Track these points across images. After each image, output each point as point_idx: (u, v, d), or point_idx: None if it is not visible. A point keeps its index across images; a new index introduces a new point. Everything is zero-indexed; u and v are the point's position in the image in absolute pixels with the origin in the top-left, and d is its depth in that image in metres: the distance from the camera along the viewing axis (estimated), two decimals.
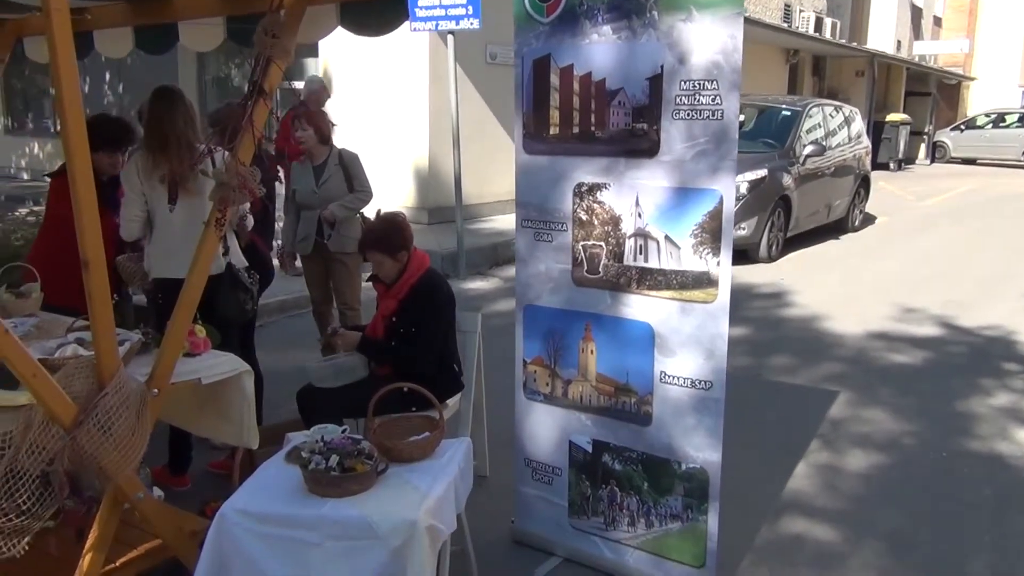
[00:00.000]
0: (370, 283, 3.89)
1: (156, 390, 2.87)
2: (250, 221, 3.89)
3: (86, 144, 2.57)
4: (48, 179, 4.31)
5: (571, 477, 3.39)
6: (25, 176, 15.33)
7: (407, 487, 2.77)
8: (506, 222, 10.99)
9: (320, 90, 8.68)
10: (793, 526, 3.78)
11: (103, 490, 2.83)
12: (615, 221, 3.14)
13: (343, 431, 3.08)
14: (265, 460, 3.03)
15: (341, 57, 10.80)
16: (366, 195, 5.28)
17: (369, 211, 5.27)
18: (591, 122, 3.13)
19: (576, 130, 3.18)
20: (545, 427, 3.43)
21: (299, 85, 11.57)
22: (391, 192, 9.68)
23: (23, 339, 3.37)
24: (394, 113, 10.64)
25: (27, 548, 2.57)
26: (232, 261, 3.82)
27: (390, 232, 3.71)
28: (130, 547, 3.04)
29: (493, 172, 10.84)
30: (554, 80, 3.19)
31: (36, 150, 15.46)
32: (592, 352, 3.27)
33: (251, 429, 3.25)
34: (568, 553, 3.45)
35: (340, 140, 5.34)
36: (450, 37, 8.24)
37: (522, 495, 3.57)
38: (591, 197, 3.18)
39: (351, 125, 10.07)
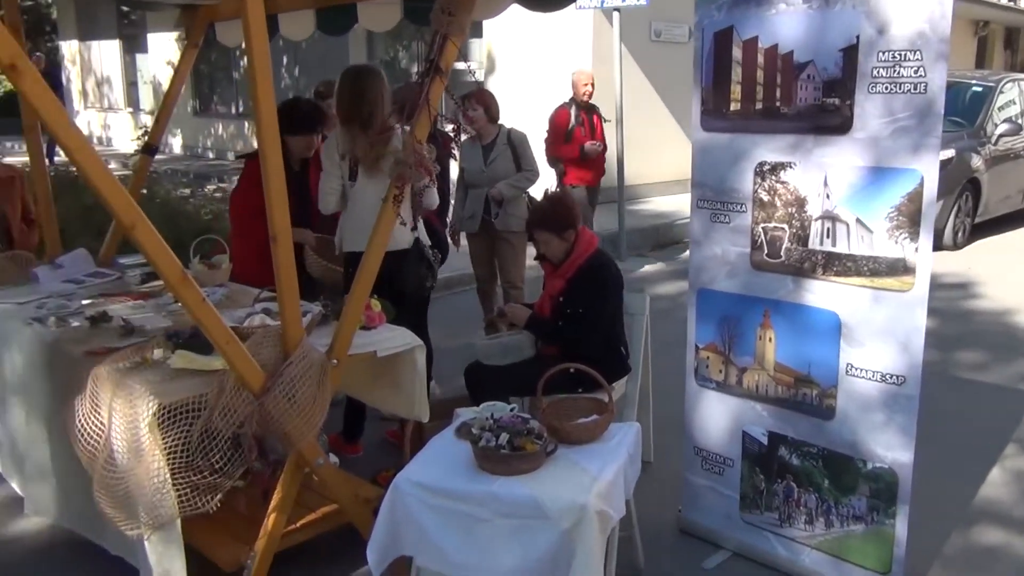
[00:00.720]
0: (536, 262, 3.88)
1: (335, 360, 2.96)
2: (433, 199, 3.94)
3: (276, 123, 2.66)
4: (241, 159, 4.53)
5: (744, 469, 3.26)
6: (211, 155, 16.39)
7: (576, 469, 2.73)
8: (669, 203, 10.76)
9: None
10: (988, 536, 3.48)
11: (286, 454, 2.96)
12: (800, 202, 2.96)
13: (511, 409, 3.09)
14: (434, 433, 3.09)
15: (504, 37, 10.85)
16: (533, 175, 5.29)
17: (535, 190, 5.28)
18: (776, 97, 2.97)
19: (759, 106, 3.02)
20: (717, 416, 3.31)
21: (461, 66, 11.76)
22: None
23: (215, 308, 3.59)
24: (556, 92, 10.57)
25: (218, 505, 2.72)
26: (419, 237, 3.91)
27: (557, 211, 3.68)
28: (309, 510, 3.18)
29: (656, 152, 10.63)
30: (736, 53, 3.04)
31: (220, 130, 16.48)
32: (770, 340, 3.12)
33: (422, 402, 3.31)
34: (738, 547, 3.33)
35: (504, 119, 5.36)
36: (615, 14, 8.11)
37: (690, 484, 3.47)
38: (774, 176, 3.02)
39: (513, 105, 10.11)
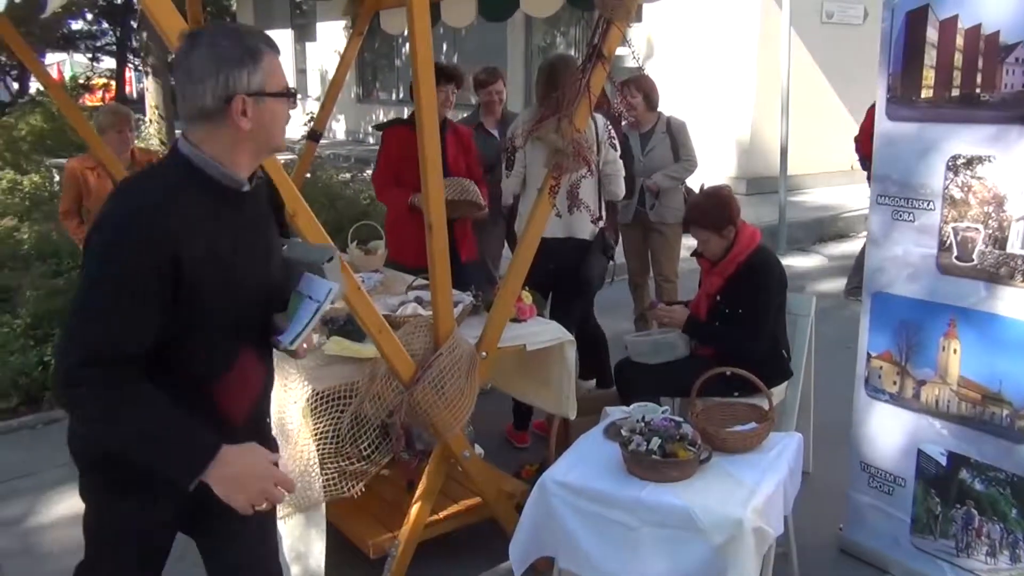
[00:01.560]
0: (693, 258, 3.71)
1: (484, 353, 2.92)
2: (619, 188, 3.85)
3: (435, 113, 2.64)
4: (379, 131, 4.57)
5: (918, 490, 2.98)
6: (371, 140, 16.90)
7: (731, 481, 2.57)
8: (833, 195, 10.20)
9: None
10: None
11: (432, 444, 2.95)
12: (999, 200, 2.66)
13: (663, 411, 2.95)
14: (582, 430, 3.00)
15: (664, 22, 10.56)
16: (691, 165, 5.07)
17: (691, 182, 5.07)
18: (976, 83, 2.67)
19: (955, 93, 2.72)
20: (889, 431, 3.05)
21: (623, 51, 11.55)
22: (707, 160, 9.32)
23: (369, 294, 3.63)
24: (717, 78, 10.23)
25: (362, 491, 2.73)
26: (604, 226, 3.84)
27: (716, 207, 3.48)
28: (453, 501, 3.16)
29: (822, 141, 10.09)
30: (932, 34, 2.75)
31: (382, 116, 16.97)
32: (955, 351, 2.83)
33: (570, 398, 3.22)
34: (905, 573, 3.06)
35: (663, 107, 5.16)
36: None
37: (854, 502, 3.22)
38: (969, 171, 2.72)
39: (672, 92, 9.84)
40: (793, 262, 7.87)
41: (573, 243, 3.97)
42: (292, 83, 1.81)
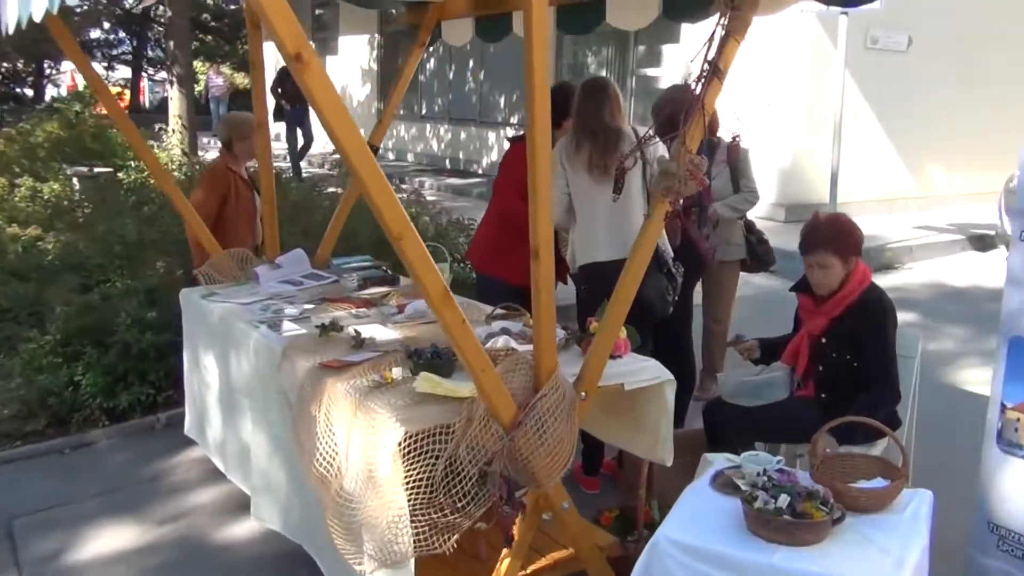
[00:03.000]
0: (792, 292, 3.44)
1: (584, 393, 2.65)
2: None
3: (548, 136, 2.39)
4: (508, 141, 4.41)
5: None
6: (391, 156, 16.68)
7: (870, 547, 2.30)
8: (878, 224, 9.94)
9: None
10: None
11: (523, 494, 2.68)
12: None
13: (778, 462, 2.68)
14: (665, 473, 2.73)
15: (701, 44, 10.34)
16: (754, 196, 4.77)
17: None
18: None
19: None
20: None
21: (652, 72, 11.37)
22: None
23: (435, 324, 3.36)
24: (760, 103, 9.99)
25: (455, 546, 2.46)
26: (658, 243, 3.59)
27: (844, 232, 3.21)
28: (539, 554, 2.88)
29: (867, 168, 9.85)
30: None
31: (403, 132, 16.78)
32: None
33: (667, 443, 2.95)
34: None
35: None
36: (842, 18, 7.48)
37: (977, 564, 2.93)
38: None
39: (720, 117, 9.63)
40: None
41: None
42: None
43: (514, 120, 13.46)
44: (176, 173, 9.38)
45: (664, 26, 10.52)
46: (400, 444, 2.37)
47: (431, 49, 16.72)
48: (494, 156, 13.66)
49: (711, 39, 2.79)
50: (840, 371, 3.18)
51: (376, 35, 16.69)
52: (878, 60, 9.73)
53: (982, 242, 9.35)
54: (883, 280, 8.07)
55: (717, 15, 2.82)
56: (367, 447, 2.46)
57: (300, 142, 13.61)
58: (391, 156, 16.45)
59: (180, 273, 5.23)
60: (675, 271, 3.64)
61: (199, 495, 3.92)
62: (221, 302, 3.71)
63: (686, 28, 10.33)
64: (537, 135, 2.36)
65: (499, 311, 3.26)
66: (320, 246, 4.43)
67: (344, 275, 4.10)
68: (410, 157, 16.25)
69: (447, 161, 15.01)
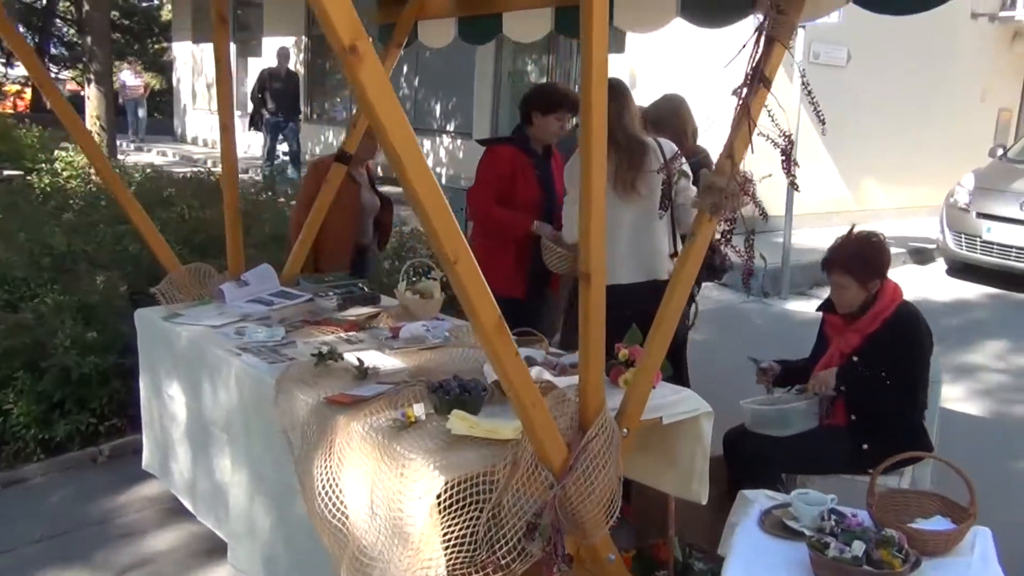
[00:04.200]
0: (818, 312, 3.28)
1: (626, 430, 2.41)
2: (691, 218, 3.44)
3: (604, 148, 2.17)
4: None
5: None
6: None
7: None
8: (818, 238, 10.01)
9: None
10: None
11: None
12: None
13: (831, 500, 2.49)
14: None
15: (650, 54, 10.28)
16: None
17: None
18: None
19: None
20: None
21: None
22: None
23: (442, 349, 3.07)
24: (706, 116, 9.96)
25: None
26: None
27: (866, 253, 3.06)
28: None
29: (805, 182, 9.89)
30: None
31: (331, 138, 16.28)
32: None
33: (702, 480, 2.73)
34: None
35: None
36: (800, 31, 7.48)
37: None
38: None
39: None
40: (796, 307, 7.59)
41: (651, 285, 3.52)
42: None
43: (450, 128, 13.15)
44: (96, 178, 8.75)
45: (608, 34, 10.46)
46: (439, 496, 2.07)
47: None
48: (430, 162, 13.33)
49: (755, 44, 2.57)
50: (872, 391, 3.02)
51: (303, 37, 16.15)
52: (819, 75, 9.80)
53: (921, 255, 9.53)
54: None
55: (758, 18, 2.62)
56: (396, 498, 2.15)
57: (280, 156, 12.70)
58: None
59: (124, 289, 4.76)
60: (695, 293, 3.45)
61: (159, 538, 3.51)
62: (188, 324, 3.34)
63: (631, 38, 10.24)
64: (593, 146, 2.12)
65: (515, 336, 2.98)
66: (288, 262, 4.07)
67: (320, 293, 3.76)
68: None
69: (379, 168, 14.55)
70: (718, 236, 2.58)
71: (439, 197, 1.79)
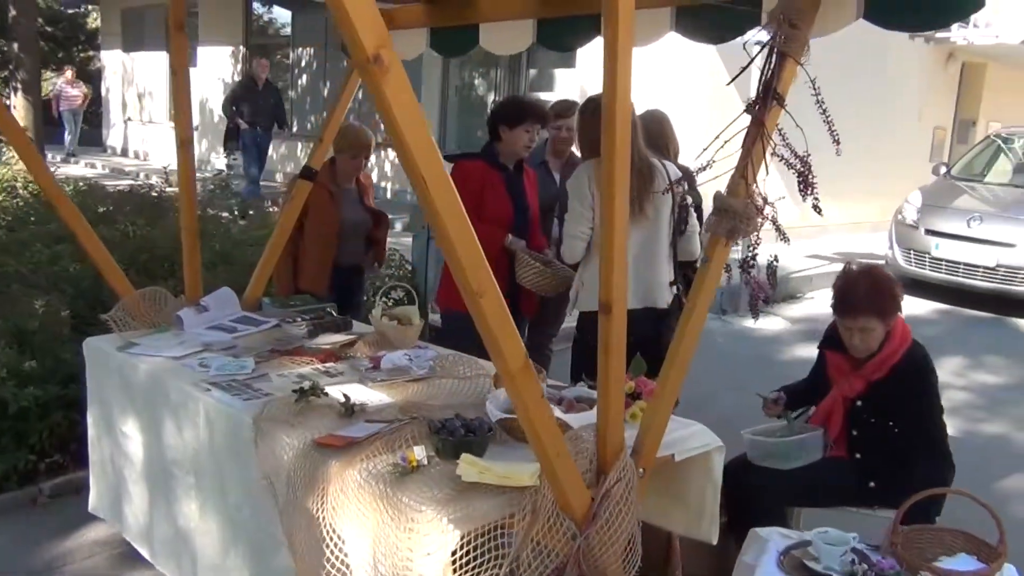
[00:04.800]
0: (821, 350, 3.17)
1: (643, 470, 2.24)
2: (695, 246, 3.36)
3: (627, 169, 2.00)
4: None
5: None
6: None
7: None
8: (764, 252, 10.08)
9: None
10: None
11: None
12: None
13: (853, 539, 2.36)
14: None
15: (598, 70, 10.21)
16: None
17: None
18: None
19: None
20: None
21: (545, 96, 11.17)
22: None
23: (429, 381, 2.88)
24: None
25: None
26: (680, 291, 3.27)
27: (884, 291, 2.91)
28: None
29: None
30: None
31: (270, 151, 15.86)
32: None
33: (713, 518, 2.58)
34: None
35: None
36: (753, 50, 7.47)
37: None
38: None
39: None
40: (752, 324, 7.56)
41: (650, 313, 3.40)
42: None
43: None
44: (23, 192, 8.28)
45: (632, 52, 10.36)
46: (454, 552, 1.87)
47: (303, 63, 15.93)
48: (375, 177, 13.05)
49: (767, 60, 2.45)
50: (877, 437, 2.92)
51: (241, 47, 15.72)
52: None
53: None
54: (790, 310, 8.14)
55: (769, 32, 2.50)
56: (403, 554, 1.95)
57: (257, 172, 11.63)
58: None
59: (65, 313, 4.43)
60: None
61: None
62: (146, 355, 3.06)
63: (582, 53, 10.19)
64: (616, 167, 1.95)
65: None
66: (250, 285, 3.81)
67: (287, 319, 3.52)
68: (279, 177, 15.34)
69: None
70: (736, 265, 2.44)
71: (465, 223, 1.60)
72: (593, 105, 3.39)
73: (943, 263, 8.24)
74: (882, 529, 2.46)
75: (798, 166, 2.47)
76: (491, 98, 11.79)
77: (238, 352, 3.13)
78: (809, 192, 2.51)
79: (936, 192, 9.00)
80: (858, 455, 2.95)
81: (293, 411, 2.50)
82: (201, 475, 2.72)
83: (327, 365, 2.97)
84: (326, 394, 2.56)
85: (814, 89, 2.52)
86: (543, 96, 11.28)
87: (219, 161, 15.69)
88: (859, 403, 2.93)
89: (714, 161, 2.42)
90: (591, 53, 9.13)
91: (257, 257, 4.06)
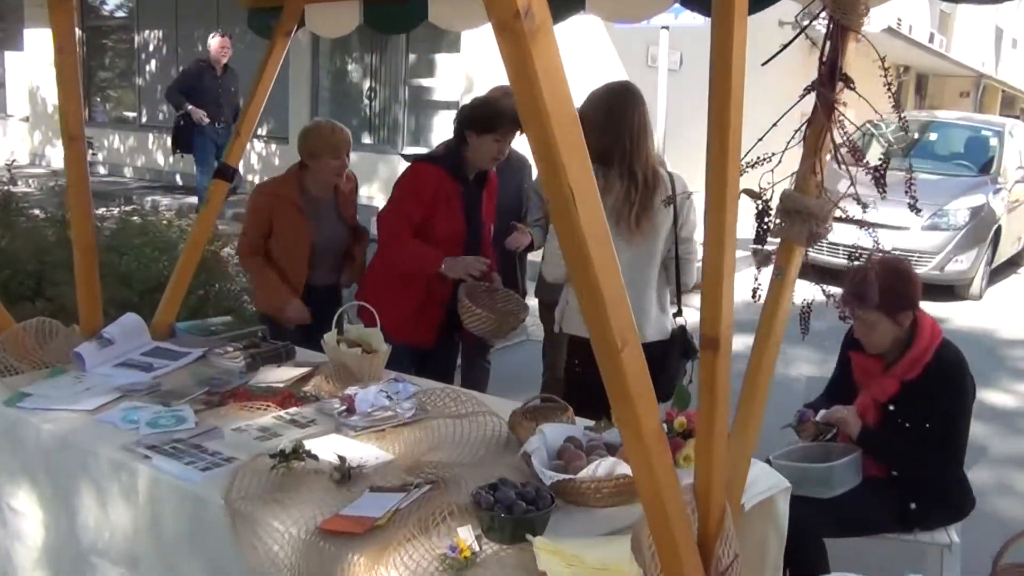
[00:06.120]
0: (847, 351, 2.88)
1: None
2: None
3: (737, 172, 1.63)
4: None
5: None
6: (102, 170, 14.32)
7: None
8: None
9: None
10: None
11: None
12: None
13: None
14: None
15: (486, 54, 9.77)
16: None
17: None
18: None
19: None
20: None
21: (427, 83, 10.60)
22: None
23: (422, 424, 2.38)
24: None
25: None
26: (685, 322, 2.89)
27: (894, 282, 2.66)
28: None
29: None
30: None
31: (117, 143, 14.50)
32: None
33: (776, 569, 2.23)
34: None
35: None
36: (663, 33, 7.34)
37: None
38: None
39: None
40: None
41: (650, 346, 3.00)
42: None
43: (262, 131, 11.94)
44: None
45: (442, 33, 9.83)
46: None
47: (152, 47, 14.60)
48: (241, 170, 12.09)
49: (827, 35, 2.10)
50: (914, 442, 2.65)
51: (77, 29, 14.24)
52: (655, 79, 9.77)
53: (764, 257, 9.70)
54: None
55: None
56: None
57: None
58: (102, 170, 14.08)
59: None
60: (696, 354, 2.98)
61: None
62: (49, 410, 2.40)
63: (467, 36, 9.70)
64: (728, 178, 1.56)
65: (534, 403, 2.33)
66: (159, 308, 3.15)
67: (213, 349, 2.90)
68: (128, 172, 14.04)
69: (177, 176, 13.08)
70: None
71: (612, 260, 1.14)
72: (619, 91, 3.00)
73: (838, 247, 8.34)
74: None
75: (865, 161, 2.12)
76: (367, 86, 11.11)
77: (166, 397, 2.51)
78: (882, 192, 2.16)
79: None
80: (895, 472, 2.68)
81: (272, 483, 1.94)
82: (138, 567, 2.11)
83: (291, 411, 2.41)
84: (314, 456, 2.01)
85: (883, 67, 2.19)
86: (425, 83, 10.76)
87: (56, 156, 14.22)
88: (892, 407, 2.67)
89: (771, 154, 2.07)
90: (477, 38, 8.66)
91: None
